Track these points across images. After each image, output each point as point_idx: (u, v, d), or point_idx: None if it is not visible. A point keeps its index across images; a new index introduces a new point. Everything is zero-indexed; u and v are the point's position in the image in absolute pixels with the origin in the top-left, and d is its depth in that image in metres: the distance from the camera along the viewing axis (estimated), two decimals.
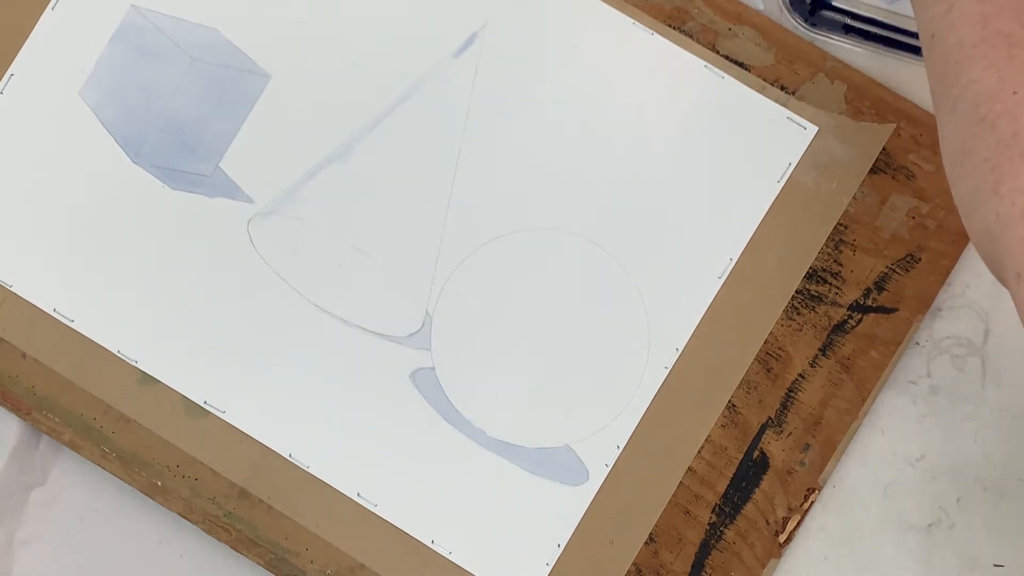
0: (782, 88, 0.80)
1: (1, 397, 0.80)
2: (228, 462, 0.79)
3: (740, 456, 0.79)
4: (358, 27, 0.80)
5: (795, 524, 0.79)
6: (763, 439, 0.79)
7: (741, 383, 0.79)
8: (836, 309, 0.79)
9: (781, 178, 0.80)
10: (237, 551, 0.80)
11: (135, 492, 0.80)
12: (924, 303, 0.79)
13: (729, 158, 0.80)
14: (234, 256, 0.80)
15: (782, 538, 0.79)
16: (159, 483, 0.79)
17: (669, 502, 0.79)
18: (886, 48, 0.80)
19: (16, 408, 0.80)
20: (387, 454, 0.80)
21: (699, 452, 0.79)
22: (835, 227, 0.79)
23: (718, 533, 0.79)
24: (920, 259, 0.79)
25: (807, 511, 0.79)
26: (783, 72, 0.80)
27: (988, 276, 0.80)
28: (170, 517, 0.80)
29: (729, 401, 0.79)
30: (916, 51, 0.80)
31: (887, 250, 0.79)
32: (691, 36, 0.80)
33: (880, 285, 0.79)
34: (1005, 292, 0.79)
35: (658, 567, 0.79)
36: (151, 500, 0.80)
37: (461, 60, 0.80)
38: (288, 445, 0.80)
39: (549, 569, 0.79)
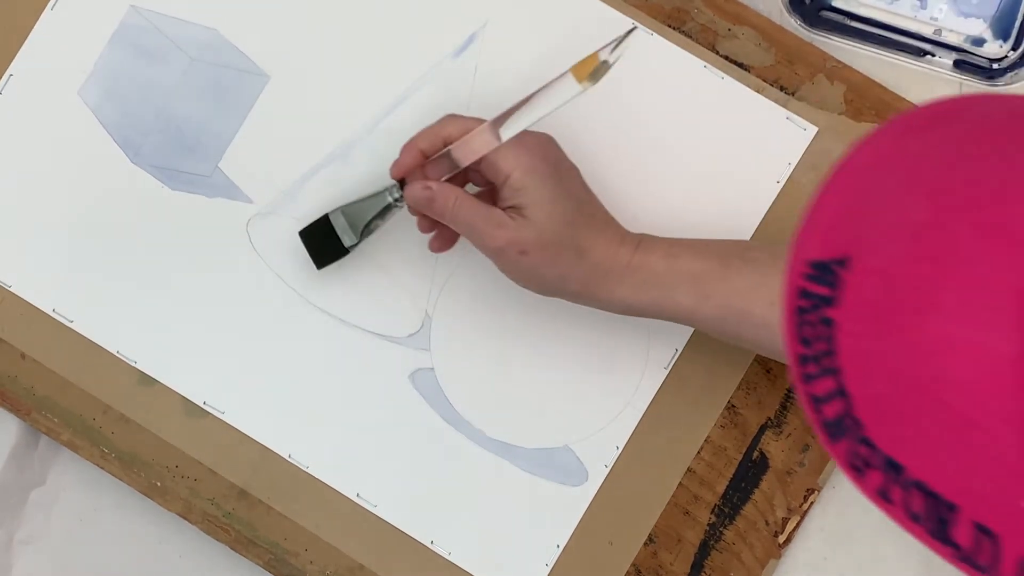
0: (782, 89, 0.80)
1: (0, 397, 0.80)
2: (227, 462, 0.79)
3: (739, 456, 0.79)
4: (357, 27, 0.80)
5: (795, 525, 0.79)
6: (763, 439, 0.79)
7: (741, 383, 0.79)
8: None
9: (781, 178, 0.80)
10: (236, 551, 0.79)
11: (134, 492, 0.80)
12: None
13: (729, 158, 0.80)
14: (233, 256, 0.80)
15: (782, 539, 0.79)
16: (158, 483, 0.79)
17: (668, 503, 0.79)
18: (886, 48, 0.80)
19: (15, 408, 0.80)
20: (386, 454, 0.80)
21: (699, 452, 0.79)
22: None
23: (717, 534, 0.79)
24: None
25: (807, 512, 0.79)
26: (783, 72, 0.80)
27: None
28: (169, 517, 0.80)
29: (729, 401, 0.79)
30: (916, 52, 0.80)
31: None
32: (691, 36, 0.80)
33: None
34: None
35: (657, 567, 0.79)
36: (150, 500, 0.80)
37: (461, 60, 0.80)
38: (287, 445, 0.80)
39: (548, 570, 0.79)
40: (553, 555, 0.79)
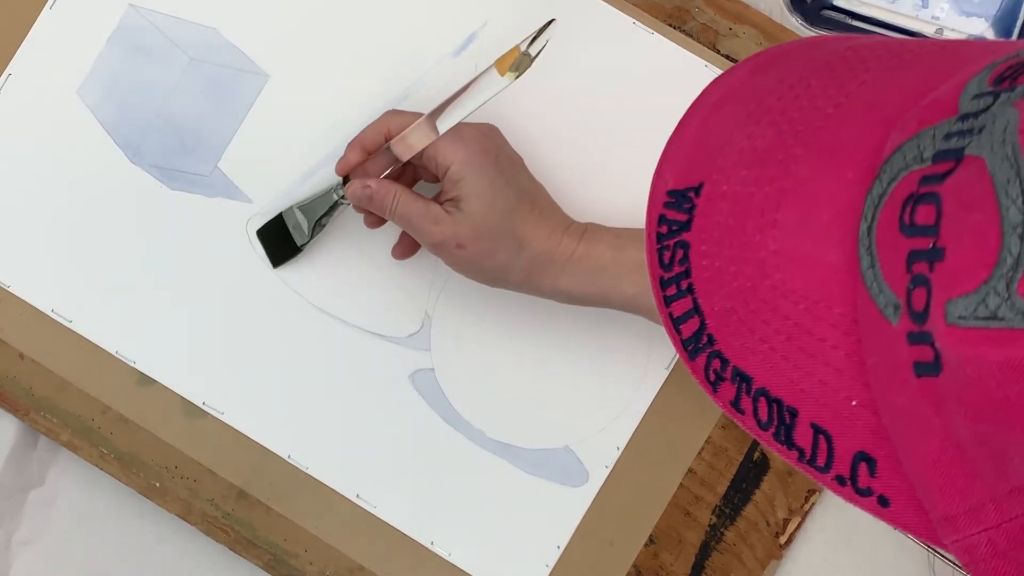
0: None
1: None
2: (227, 463, 0.79)
3: (740, 457, 0.79)
4: (357, 27, 0.80)
5: (795, 526, 0.79)
6: None
7: None
8: None
9: None
10: (236, 552, 0.79)
11: (133, 493, 0.80)
12: None
13: None
14: (232, 256, 0.80)
15: (782, 540, 0.79)
16: (157, 484, 0.79)
17: (669, 503, 0.79)
18: None
19: (14, 409, 0.80)
20: (386, 455, 0.79)
21: (699, 453, 0.79)
22: None
23: (718, 534, 0.79)
24: None
25: (808, 512, 0.79)
26: None
27: None
28: (168, 518, 0.80)
29: None
30: None
31: None
32: (692, 36, 0.80)
33: None
34: None
35: (658, 568, 0.79)
36: (149, 501, 0.79)
37: (460, 60, 0.80)
38: (287, 446, 0.79)
39: (549, 570, 0.79)
40: (553, 556, 0.79)
